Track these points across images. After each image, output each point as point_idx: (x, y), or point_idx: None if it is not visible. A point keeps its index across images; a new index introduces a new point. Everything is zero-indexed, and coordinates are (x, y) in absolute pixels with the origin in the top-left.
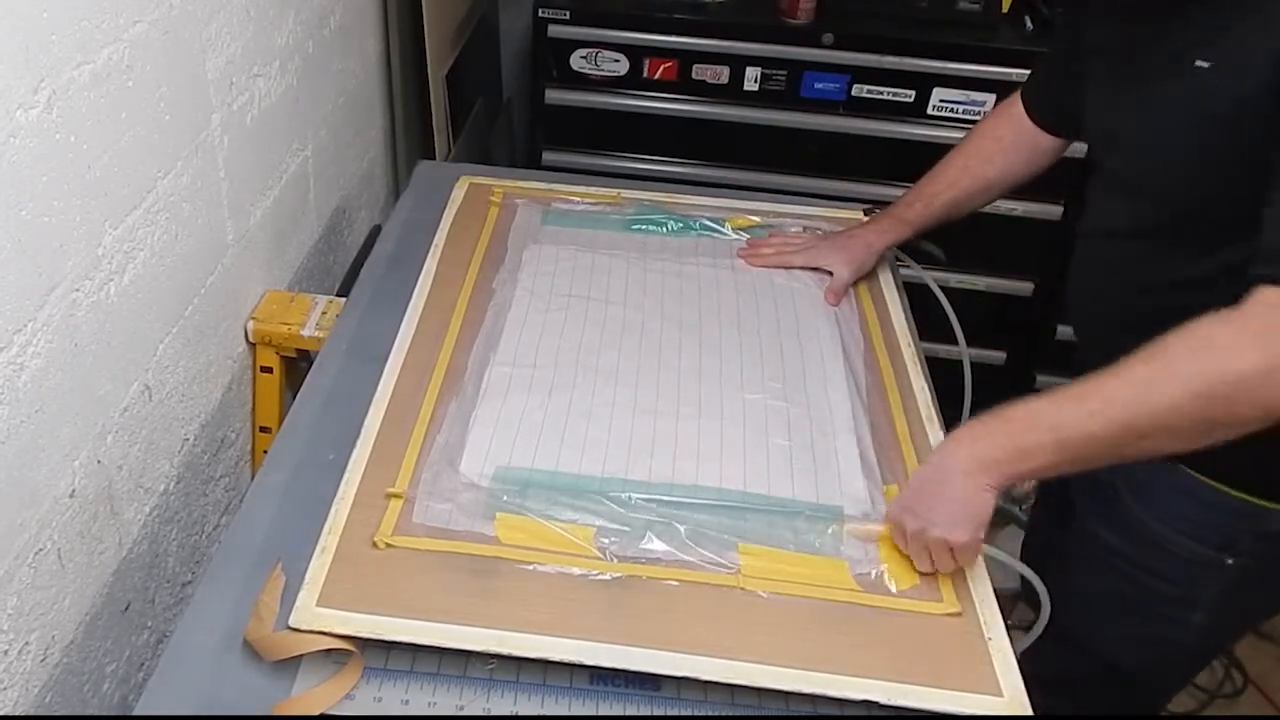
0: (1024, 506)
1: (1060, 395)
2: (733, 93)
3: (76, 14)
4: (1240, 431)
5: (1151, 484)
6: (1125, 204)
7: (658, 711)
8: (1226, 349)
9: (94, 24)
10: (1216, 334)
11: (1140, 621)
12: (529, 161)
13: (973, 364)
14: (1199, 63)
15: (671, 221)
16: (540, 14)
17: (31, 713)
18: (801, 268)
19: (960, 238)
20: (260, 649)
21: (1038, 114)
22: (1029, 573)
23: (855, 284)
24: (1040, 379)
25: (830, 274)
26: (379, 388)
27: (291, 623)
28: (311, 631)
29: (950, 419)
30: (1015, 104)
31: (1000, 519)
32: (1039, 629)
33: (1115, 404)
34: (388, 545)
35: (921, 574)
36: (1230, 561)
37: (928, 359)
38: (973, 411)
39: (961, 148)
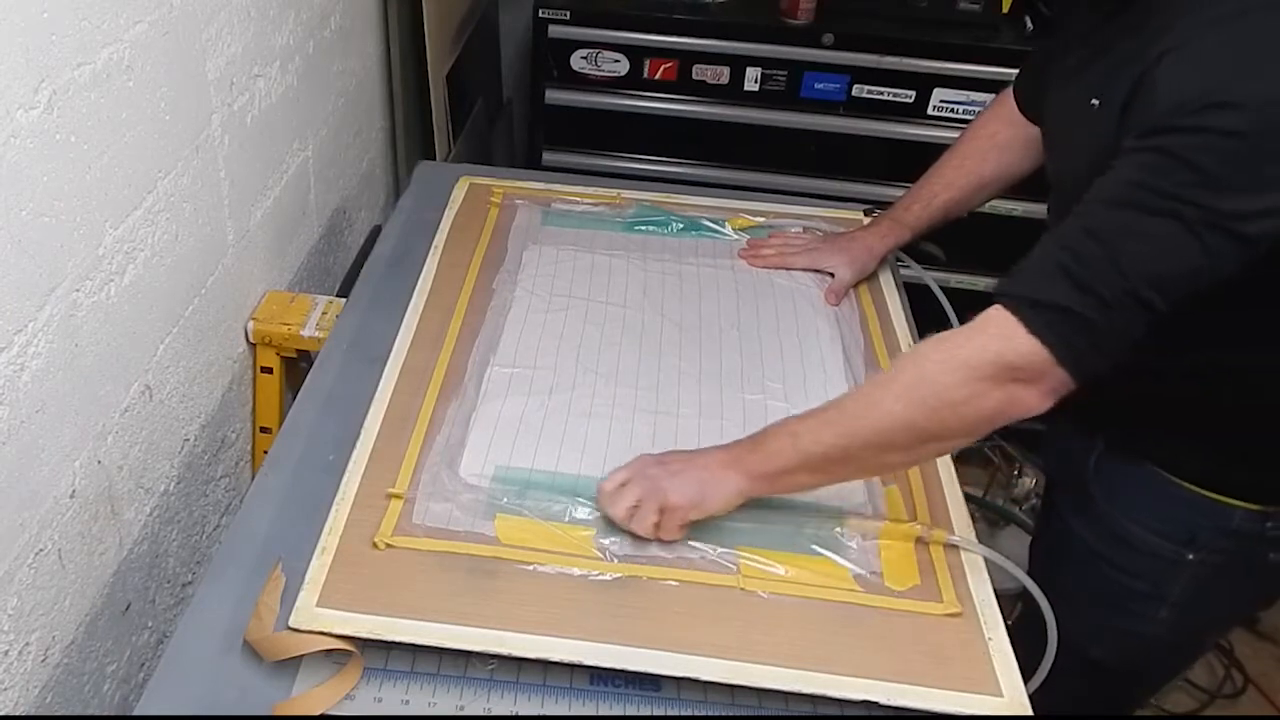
0: (1024, 507)
1: (819, 411)
2: (733, 93)
3: (76, 14)
4: (952, 447)
5: (1122, 481)
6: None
7: (658, 712)
8: (939, 366)
9: (94, 24)
10: (934, 351)
11: (1113, 617)
12: (529, 161)
13: None
14: (1093, 101)
15: (672, 222)
16: (540, 14)
17: (32, 713)
18: (803, 269)
19: (960, 238)
20: (260, 649)
21: (1027, 105)
22: (1029, 582)
23: (855, 284)
24: None
25: (831, 275)
26: (379, 388)
27: (291, 623)
28: (311, 632)
29: None
30: (1008, 98)
31: (1001, 519)
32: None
33: (845, 414)
34: (388, 545)
35: (921, 575)
36: (1192, 557)
37: None
38: None
39: (957, 147)
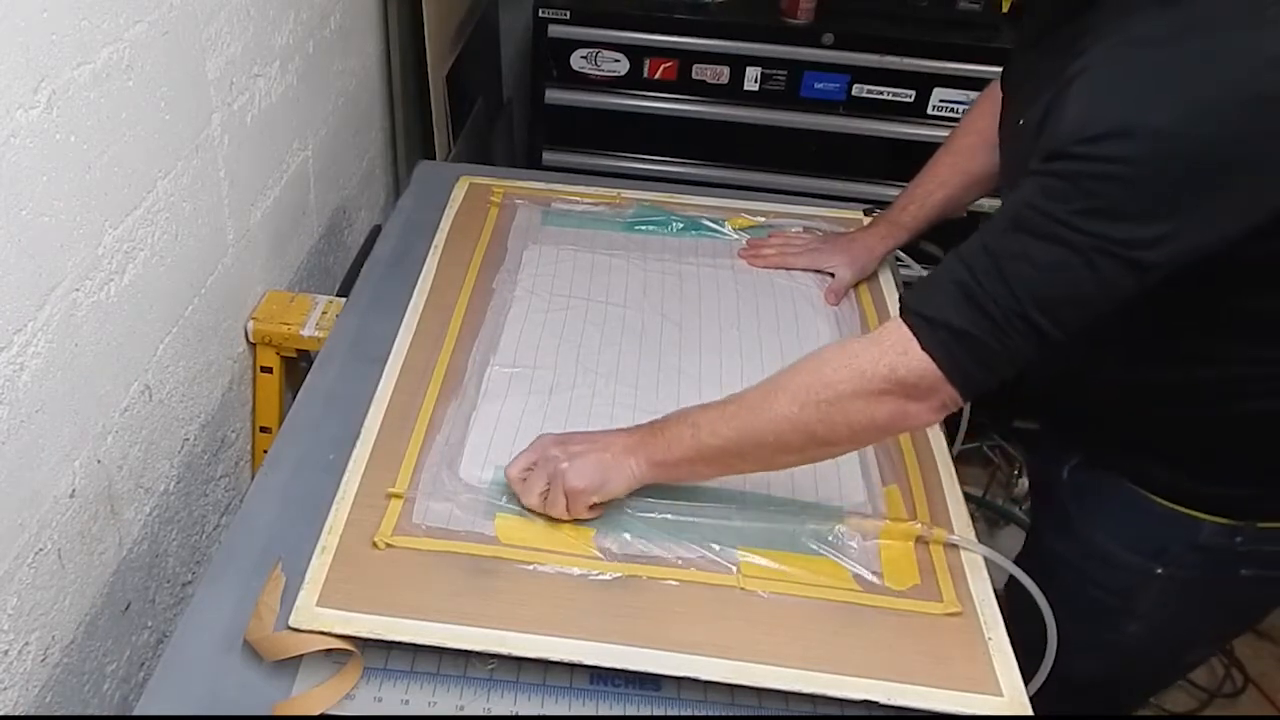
0: (1024, 507)
1: (722, 401)
2: (733, 93)
3: (76, 14)
4: (841, 452)
5: (1093, 493)
6: None
7: (658, 711)
8: (836, 374)
9: (94, 24)
10: (833, 358)
11: (1085, 630)
12: (529, 161)
13: None
14: (1020, 120)
15: (672, 222)
16: (540, 14)
17: (31, 713)
18: (803, 269)
19: (960, 237)
20: (260, 649)
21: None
22: (1029, 582)
23: (855, 285)
24: None
25: (831, 275)
26: (379, 388)
27: (291, 623)
28: (311, 631)
29: (950, 418)
30: (995, 91)
31: (1001, 519)
32: (1051, 648)
33: (743, 409)
34: (388, 545)
35: (921, 575)
36: (1160, 571)
37: None
38: (973, 411)
39: (948, 145)
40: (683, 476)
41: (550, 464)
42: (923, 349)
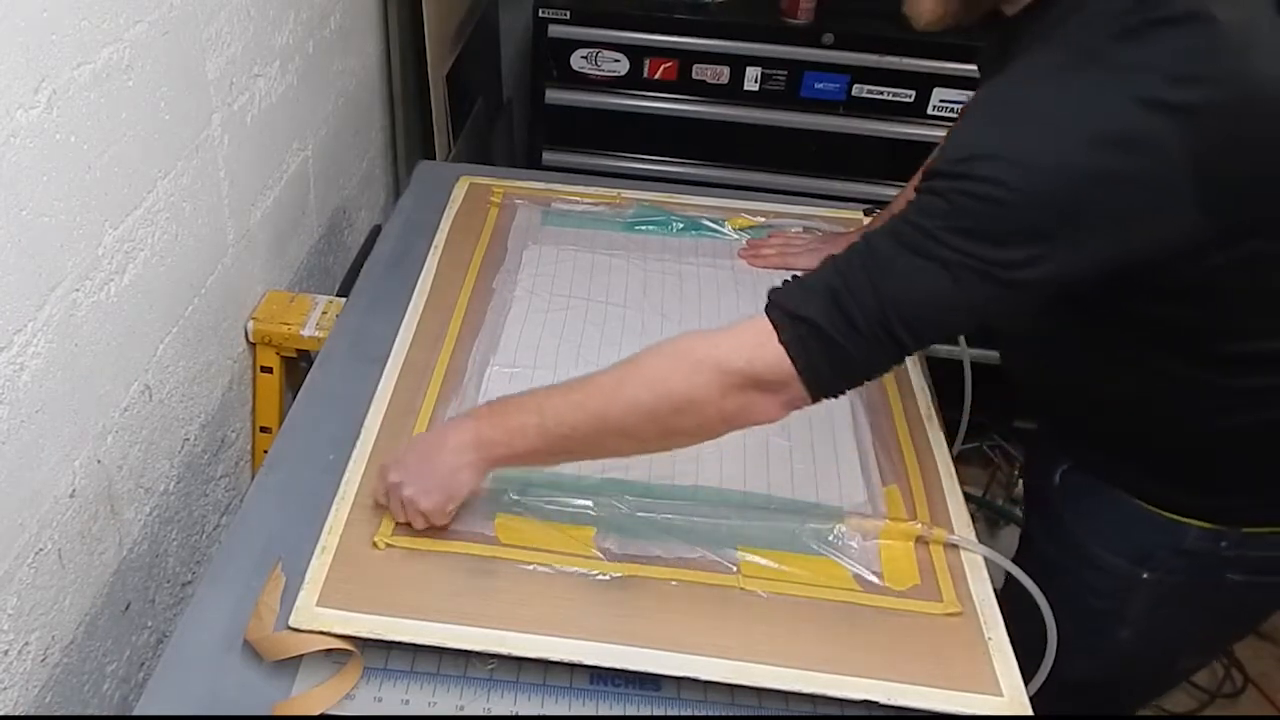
0: (1023, 507)
1: (563, 384)
2: (733, 93)
3: (76, 14)
4: (694, 440)
5: (1083, 498)
6: None
7: (658, 711)
8: (691, 362)
9: (94, 24)
10: (690, 346)
11: (1078, 634)
12: (529, 161)
13: (973, 364)
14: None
15: (672, 222)
16: (540, 14)
17: (31, 713)
18: (804, 269)
19: None
20: (260, 649)
21: None
22: (1029, 582)
23: None
24: None
25: None
26: (379, 388)
27: (291, 623)
28: (311, 631)
29: (950, 419)
30: None
31: (1000, 519)
32: (1051, 648)
33: (592, 396)
34: (388, 545)
35: (921, 575)
36: (1147, 576)
37: (928, 359)
38: (972, 411)
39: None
40: (526, 464)
41: (395, 490)
42: (780, 344)
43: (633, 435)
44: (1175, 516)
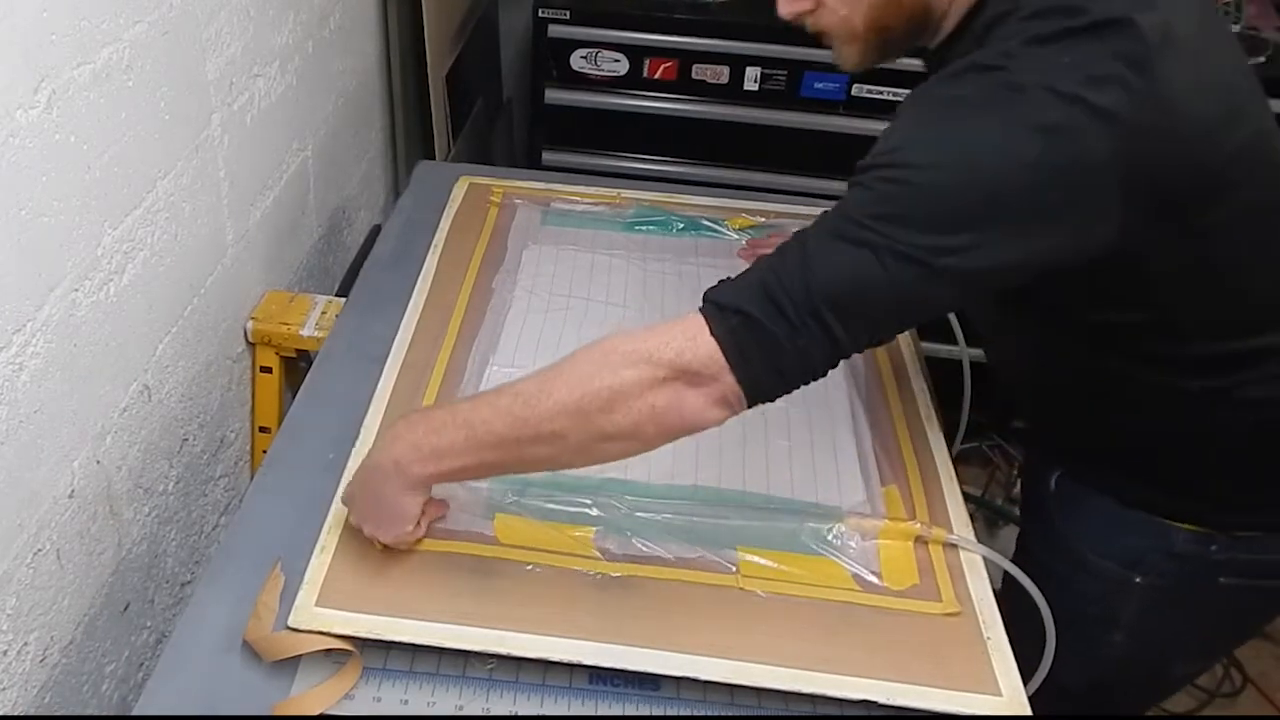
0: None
1: (489, 392)
2: (733, 92)
3: (76, 14)
4: (627, 447)
5: (1075, 504)
6: None
7: (657, 711)
8: (620, 357)
9: (94, 24)
10: (619, 343)
11: (1072, 640)
12: (529, 161)
13: (972, 364)
14: None
15: (672, 222)
16: (540, 14)
17: (30, 713)
18: None
19: None
20: (259, 649)
21: None
22: (1028, 582)
23: None
24: None
25: None
26: (378, 387)
27: (291, 623)
28: (311, 631)
29: (950, 419)
30: None
31: (1000, 519)
32: (1050, 648)
33: (518, 401)
34: (386, 545)
35: (920, 574)
36: (1139, 580)
37: (928, 359)
38: (972, 411)
39: None
40: (463, 479)
41: (363, 529)
42: (711, 334)
43: (560, 439)
44: (1164, 520)
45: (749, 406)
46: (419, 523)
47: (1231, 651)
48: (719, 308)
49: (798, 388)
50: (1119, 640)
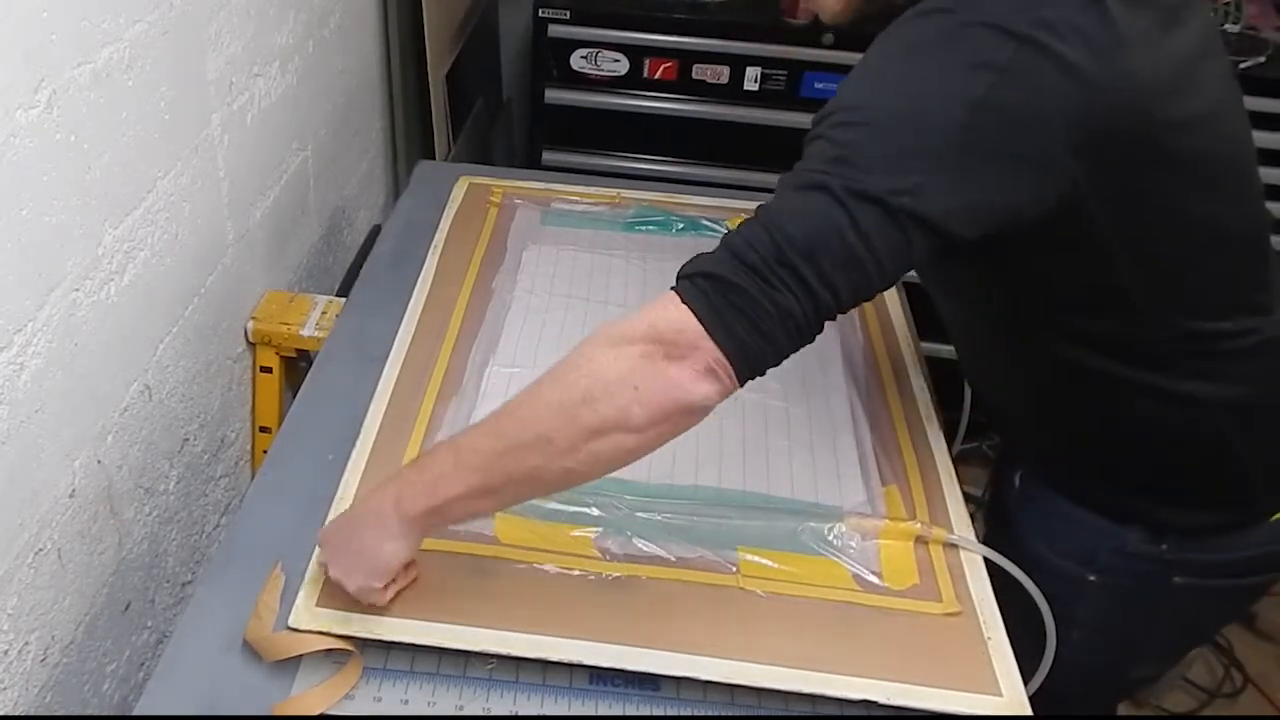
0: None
1: (484, 419)
2: (733, 93)
3: (76, 14)
4: (618, 444)
5: (1033, 504)
6: None
7: (657, 711)
8: (596, 345)
9: (94, 24)
10: (598, 333)
11: (1027, 639)
12: (529, 161)
13: None
14: None
15: (672, 222)
16: (540, 14)
17: (31, 713)
18: None
19: None
20: (260, 649)
21: None
22: (1028, 582)
23: None
24: None
25: None
26: (378, 388)
27: (290, 623)
28: (311, 631)
29: (950, 419)
30: None
31: None
32: (1051, 648)
33: (502, 412)
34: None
35: (920, 574)
36: (1093, 579)
37: (928, 359)
38: (972, 411)
39: None
40: (460, 516)
41: (333, 575)
42: (683, 302)
43: (547, 443)
44: (1113, 520)
45: (740, 378)
46: (390, 584)
47: (1194, 648)
48: (688, 278)
49: (788, 352)
50: (1076, 639)
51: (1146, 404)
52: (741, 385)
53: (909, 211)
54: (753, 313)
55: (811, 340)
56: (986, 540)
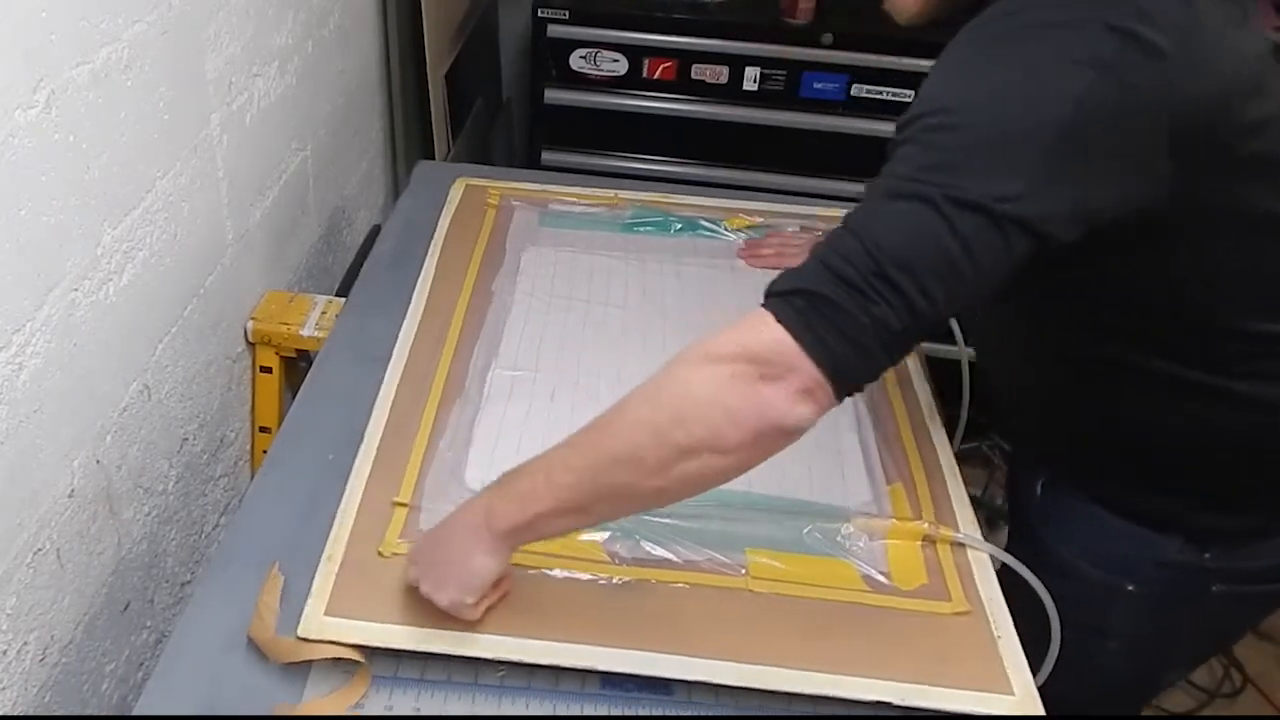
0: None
1: (572, 434)
2: (732, 92)
3: (75, 14)
4: (708, 465)
5: (1062, 510)
6: None
7: (669, 714)
8: (686, 364)
9: (93, 24)
10: (687, 351)
11: (1071, 651)
12: (528, 161)
13: (972, 364)
14: None
15: (670, 222)
16: (540, 14)
17: (31, 713)
18: None
19: None
20: (267, 650)
21: None
22: (1035, 580)
23: None
24: None
25: None
26: (380, 393)
27: (300, 633)
28: (321, 641)
29: (950, 419)
30: None
31: (999, 518)
32: (1054, 648)
33: (592, 430)
34: (394, 554)
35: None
36: (1131, 588)
37: (928, 359)
38: (972, 411)
39: None
40: (554, 532)
41: (414, 585)
42: (777, 320)
43: (638, 461)
44: (1152, 531)
45: (838, 396)
46: (482, 600)
47: (1219, 653)
48: (780, 295)
49: (885, 367)
50: (1113, 648)
51: (1199, 405)
52: (839, 402)
53: (1013, 218)
54: (850, 328)
55: (908, 353)
56: (1010, 549)
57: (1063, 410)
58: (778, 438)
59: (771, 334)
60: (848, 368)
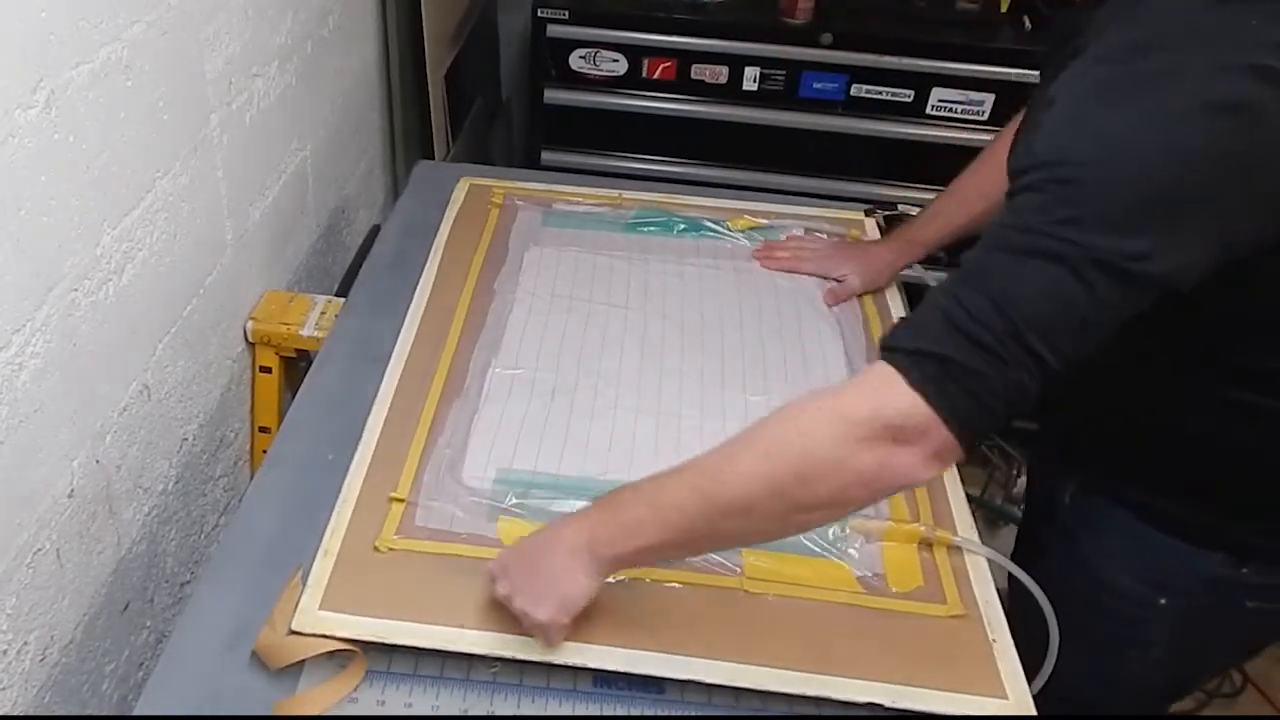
0: (1021, 506)
1: (678, 466)
2: (732, 92)
3: (75, 14)
4: (821, 520)
5: (1094, 520)
6: None
7: (661, 714)
8: (812, 422)
9: (92, 24)
10: (808, 406)
11: (1100, 661)
12: (528, 161)
13: None
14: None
15: (673, 223)
16: (539, 14)
17: (31, 713)
18: (815, 274)
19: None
20: (265, 657)
21: None
22: (1031, 584)
23: (862, 294)
24: None
25: (837, 280)
26: (380, 390)
27: (294, 626)
28: (314, 635)
29: None
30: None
31: (999, 519)
32: (1053, 650)
33: (705, 474)
34: (390, 549)
35: (924, 577)
36: (1164, 601)
37: None
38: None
39: (976, 166)
40: (646, 562)
41: (506, 601)
42: (910, 385)
43: (754, 514)
44: (1191, 545)
45: (965, 453)
46: (554, 640)
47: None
48: (908, 355)
49: (1006, 423)
50: (1144, 658)
51: (1267, 428)
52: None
53: (1149, 275)
54: (985, 395)
55: (1030, 409)
56: (1033, 557)
57: (1125, 425)
58: (895, 492)
59: (906, 400)
60: (978, 428)
